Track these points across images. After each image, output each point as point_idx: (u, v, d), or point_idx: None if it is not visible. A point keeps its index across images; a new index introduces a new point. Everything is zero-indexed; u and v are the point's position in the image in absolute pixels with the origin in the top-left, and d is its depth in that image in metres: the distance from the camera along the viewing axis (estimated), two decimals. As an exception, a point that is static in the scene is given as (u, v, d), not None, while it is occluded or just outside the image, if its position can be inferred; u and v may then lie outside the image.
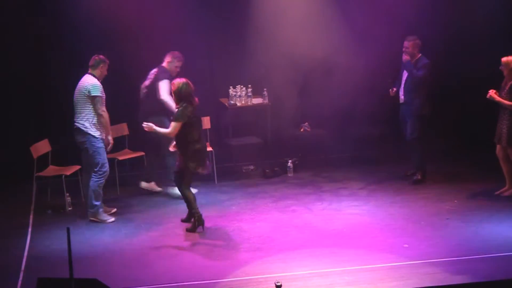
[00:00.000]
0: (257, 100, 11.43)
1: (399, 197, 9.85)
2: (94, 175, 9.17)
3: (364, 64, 10.93)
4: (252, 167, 11.24)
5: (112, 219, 9.33)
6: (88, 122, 9.10)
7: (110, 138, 9.27)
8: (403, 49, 10.14)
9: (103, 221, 9.24)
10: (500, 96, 9.27)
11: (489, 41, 11.41)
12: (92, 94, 9.02)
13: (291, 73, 11.56)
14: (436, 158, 11.19)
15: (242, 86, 11.38)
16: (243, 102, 11.37)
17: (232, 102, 11.34)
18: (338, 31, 11.28)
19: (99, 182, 9.17)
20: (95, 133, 9.12)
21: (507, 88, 9.23)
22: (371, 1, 11.50)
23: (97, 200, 9.21)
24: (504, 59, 9.31)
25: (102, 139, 9.19)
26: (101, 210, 9.28)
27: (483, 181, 10.16)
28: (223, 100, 11.55)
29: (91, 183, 9.18)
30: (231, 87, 11.39)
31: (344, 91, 11.22)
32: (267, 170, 10.97)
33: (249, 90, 11.40)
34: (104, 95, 9.16)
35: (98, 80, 9.15)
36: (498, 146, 9.50)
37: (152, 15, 11.20)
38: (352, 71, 10.83)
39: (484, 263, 7.74)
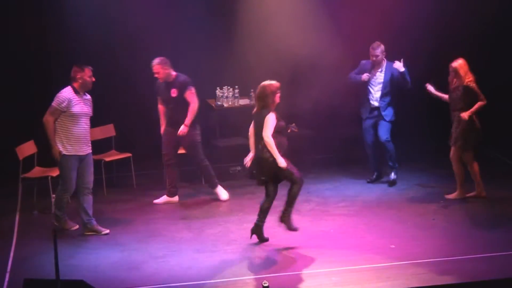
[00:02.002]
0: (244, 101, 11.43)
1: (386, 198, 9.88)
2: (59, 188, 8.92)
3: (351, 64, 10.92)
4: (239, 168, 11.22)
5: (76, 226, 9.06)
6: (59, 138, 8.73)
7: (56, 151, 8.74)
8: (374, 58, 10.13)
9: (66, 229, 8.99)
10: (450, 98, 9.31)
11: (478, 41, 11.50)
12: (52, 103, 8.71)
13: (278, 74, 11.53)
14: (422, 159, 11.23)
15: (229, 87, 11.38)
16: (230, 103, 11.37)
17: (219, 103, 11.34)
18: (325, 31, 11.29)
19: (62, 195, 8.88)
20: (68, 151, 8.71)
21: (460, 91, 9.25)
22: (358, 2, 11.53)
23: (59, 210, 8.94)
24: (455, 64, 9.33)
25: (76, 156, 8.75)
26: (65, 218, 9.02)
27: (469, 182, 10.19)
28: (210, 101, 11.54)
29: (56, 194, 8.98)
30: (218, 88, 11.39)
31: (332, 91, 11.22)
32: (254, 171, 10.92)
33: (236, 91, 11.40)
34: (74, 108, 8.68)
35: (79, 91, 8.76)
36: (452, 149, 9.51)
37: (138, 16, 11.19)
38: (340, 71, 10.83)
39: (471, 263, 7.77)
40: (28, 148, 10.13)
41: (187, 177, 10.98)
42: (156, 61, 9.78)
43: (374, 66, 10.26)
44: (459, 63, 9.32)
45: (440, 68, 11.36)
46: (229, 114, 11.70)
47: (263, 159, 8.35)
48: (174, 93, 9.81)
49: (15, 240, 8.90)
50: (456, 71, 9.32)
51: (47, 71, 10.75)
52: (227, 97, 11.35)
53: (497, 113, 11.16)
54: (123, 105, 11.42)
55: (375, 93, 10.30)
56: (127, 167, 10.64)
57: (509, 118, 11.63)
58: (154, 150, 11.11)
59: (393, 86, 10.24)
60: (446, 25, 11.61)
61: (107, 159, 10.53)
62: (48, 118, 8.68)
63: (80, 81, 8.74)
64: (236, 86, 11.40)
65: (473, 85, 9.25)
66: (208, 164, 10.11)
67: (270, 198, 8.55)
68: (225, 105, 11.35)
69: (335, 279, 7.52)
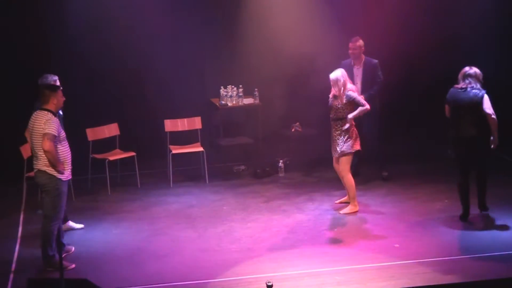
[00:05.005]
0: (248, 100, 11.43)
1: (390, 197, 9.87)
2: (47, 221, 8.04)
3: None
4: (243, 167, 11.23)
5: (73, 265, 8.07)
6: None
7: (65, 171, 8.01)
8: (350, 51, 10.22)
9: (65, 268, 7.81)
10: (337, 108, 9.18)
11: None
12: (45, 131, 7.85)
13: (282, 73, 11.58)
14: (426, 157, 11.22)
15: (233, 86, 11.38)
16: (234, 102, 11.37)
17: (223, 102, 11.34)
18: (328, 31, 11.32)
19: (52, 228, 8.01)
20: (66, 177, 8.05)
21: (344, 100, 9.14)
22: (361, 2, 11.53)
23: (52, 249, 8.04)
24: (333, 76, 9.21)
25: (67, 181, 8.13)
26: (56, 257, 7.98)
27: (473, 181, 10.17)
28: (214, 100, 11.54)
29: (43, 229, 8.07)
30: (222, 87, 11.39)
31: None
32: (258, 170, 10.96)
33: (240, 90, 11.40)
34: (62, 132, 8.03)
35: (55, 114, 8.02)
36: (334, 158, 9.41)
37: (143, 16, 11.20)
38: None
39: (474, 262, 7.77)
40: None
41: (191, 176, 10.99)
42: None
43: (354, 61, 10.29)
44: (335, 75, 9.16)
45: (444, 65, 11.44)
46: (233, 113, 11.72)
47: (477, 138, 8.58)
48: None
49: (19, 239, 8.91)
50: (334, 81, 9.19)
51: (49, 71, 10.71)
52: (231, 96, 11.35)
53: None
54: (127, 104, 11.43)
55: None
56: (131, 166, 10.64)
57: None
58: (158, 150, 11.14)
59: (365, 84, 10.27)
60: (451, 24, 11.61)
61: (111, 158, 10.54)
62: (52, 145, 7.82)
63: (55, 102, 8.05)
64: (240, 85, 11.40)
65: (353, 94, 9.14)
66: None
67: (465, 177, 8.79)
68: (229, 104, 11.35)
69: (339, 278, 7.53)
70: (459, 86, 8.68)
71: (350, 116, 9.16)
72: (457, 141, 8.73)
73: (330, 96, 9.31)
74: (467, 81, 8.63)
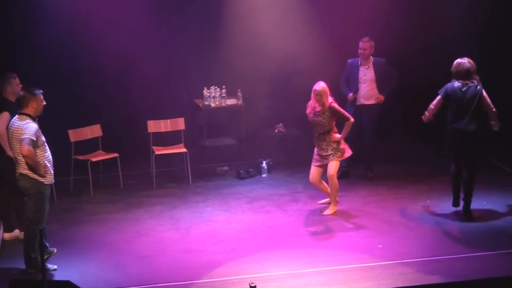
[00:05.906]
0: (231, 101, 11.42)
1: (373, 197, 9.89)
2: (30, 224, 7.95)
3: (337, 64, 10.96)
4: (226, 168, 11.22)
5: (55, 266, 8.06)
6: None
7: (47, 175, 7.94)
8: (361, 51, 10.25)
9: (48, 270, 7.91)
10: (321, 124, 9.17)
11: (461, 42, 11.53)
12: (23, 136, 7.73)
13: (265, 74, 11.58)
14: (409, 158, 11.26)
15: (216, 87, 11.36)
16: (217, 103, 11.35)
17: (206, 103, 11.32)
18: (312, 32, 11.33)
19: (36, 231, 7.88)
20: (48, 181, 7.98)
21: (325, 112, 9.12)
22: (344, 3, 11.55)
23: (34, 252, 7.99)
24: (319, 87, 9.14)
25: (50, 185, 8.06)
26: (39, 259, 7.91)
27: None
28: (197, 101, 11.52)
29: (26, 232, 8.02)
30: (205, 88, 11.37)
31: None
32: (241, 171, 10.95)
33: (223, 91, 11.38)
34: (42, 137, 7.90)
35: (34, 118, 7.89)
36: (315, 168, 9.45)
37: (125, 17, 11.16)
38: (326, 71, 10.85)
39: (458, 262, 7.81)
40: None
41: (174, 177, 10.96)
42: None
43: (362, 61, 10.31)
44: (322, 87, 9.11)
45: (427, 65, 11.49)
46: (216, 114, 11.70)
47: (474, 133, 8.76)
48: None
49: (1, 240, 8.84)
50: (319, 94, 9.10)
51: (30, 70, 10.66)
52: (214, 97, 11.33)
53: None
54: (110, 105, 11.37)
55: (362, 91, 10.33)
56: (114, 167, 10.60)
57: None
58: (141, 151, 11.11)
59: (380, 82, 10.33)
60: (433, 23, 11.66)
61: (94, 159, 10.49)
62: (30, 149, 7.68)
63: (34, 105, 7.89)
64: (223, 86, 11.38)
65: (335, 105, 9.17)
66: None
67: (458, 167, 8.93)
68: (212, 105, 11.33)
69: (322, 278, 7.54)
70: (461, 84, 8.74)
71: (340, 136, 9.17)
72: (456, 135, 8.80)
73: (308, 112, 9.30)
74: (470, 82, 8.74)
